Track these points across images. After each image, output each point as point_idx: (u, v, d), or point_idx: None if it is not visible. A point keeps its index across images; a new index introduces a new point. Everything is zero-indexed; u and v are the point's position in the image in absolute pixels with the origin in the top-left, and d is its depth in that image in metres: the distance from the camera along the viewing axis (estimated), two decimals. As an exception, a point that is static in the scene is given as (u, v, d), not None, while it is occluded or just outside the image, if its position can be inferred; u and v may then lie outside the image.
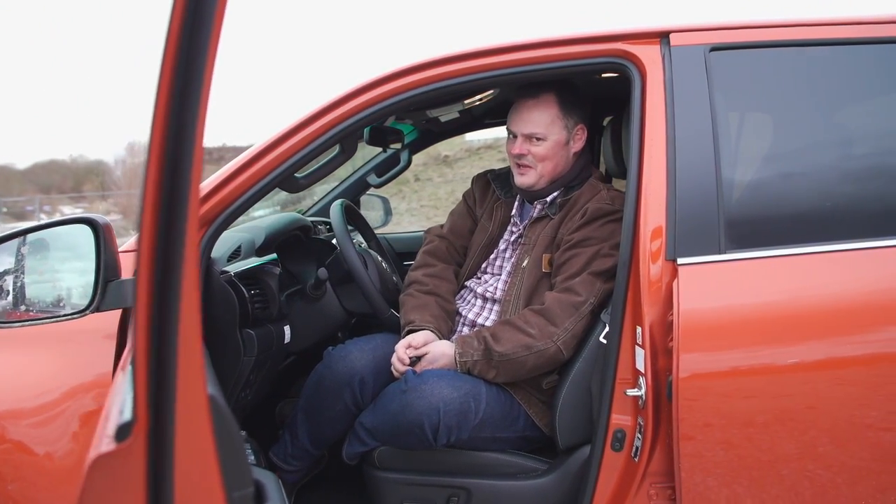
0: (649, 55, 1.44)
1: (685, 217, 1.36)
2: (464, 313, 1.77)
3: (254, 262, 1.87)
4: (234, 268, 1.76)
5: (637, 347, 1.37)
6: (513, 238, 1.78)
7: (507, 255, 1.78)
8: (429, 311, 1.71)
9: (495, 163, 12.25)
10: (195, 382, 0.57)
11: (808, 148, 1.48)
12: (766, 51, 1.44)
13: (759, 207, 1.44)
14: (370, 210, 2.89)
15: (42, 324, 1.39)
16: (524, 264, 1.70)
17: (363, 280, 1.85)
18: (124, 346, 1.36)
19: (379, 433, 1.60)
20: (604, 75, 1.76)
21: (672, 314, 1.30)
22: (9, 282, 1.41)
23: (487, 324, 1.71)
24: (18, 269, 1.41)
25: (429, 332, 1.65)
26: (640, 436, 1.35)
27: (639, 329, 1.36)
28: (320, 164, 1.80)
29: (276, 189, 1.54)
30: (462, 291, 1.84)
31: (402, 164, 2.55)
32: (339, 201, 2.05)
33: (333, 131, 1.45)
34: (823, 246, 1.35)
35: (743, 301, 1.35)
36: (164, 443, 0.55)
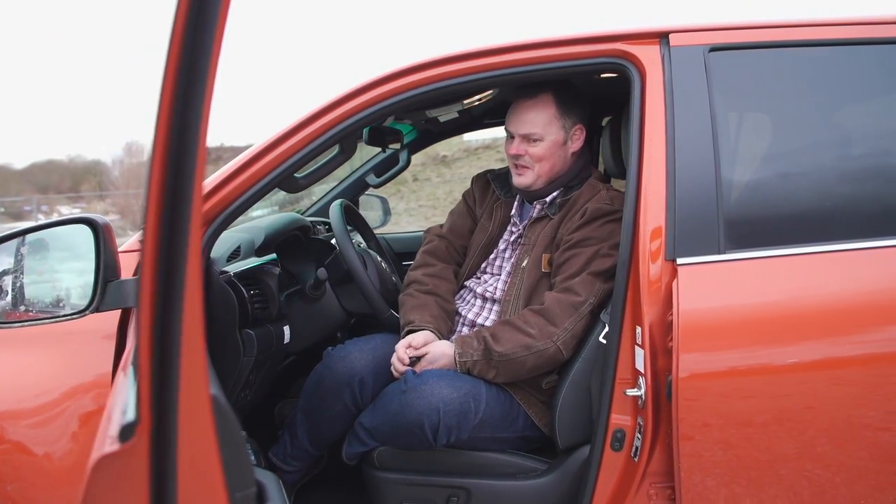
0: (649, 55, 1.44)
1: (685, 217, 1.36)
2: (463, 313, 1.77)
3: (253, 262, 1.87)
4: (234, 268, 1.75)
5: (636, 347, 1.37)
6: (512, 238, 1.78)
7: (507, 255, 1.78)
8: (428, 311, 1.71)
9: (493, 163, 12.25)
10: (198, 382, 0.57)
11: (807, 148, 1.49)
12: (766, 51, 1.45)
13: (758, 207, 1.44)
14: (369, 210, 2.90)
15: (41, 324, 1.39)
16: (524, 264, 1.70)
17: (362, 280, 1.85)
18: (124, 347, 1.36)
19: (378, 433, 1.60)
20: (603, 75, 1.76)
21: (671, 314, 1.30)
22: (8, 282, 1.41)
23: (487, 324, 1.71)
24: (18, 270, 1.41)
25: (428, 332, 1.65)
26: (639, 436, 1.36)
27: (638, 329, 1.36)
28: (320, 164, 1.80)
29: (276, 189, 1.54)
30: (462, 291, 1.84)
31: (400, 164, 2.55)
32: (338, 201, 2.05)
33: (333, 131, 1.45)
34: (823, 246, 1.35)
35: (742, 301, 1.35)
36: (167, 443, 0.55)
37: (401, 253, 2.72)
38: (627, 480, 1.39)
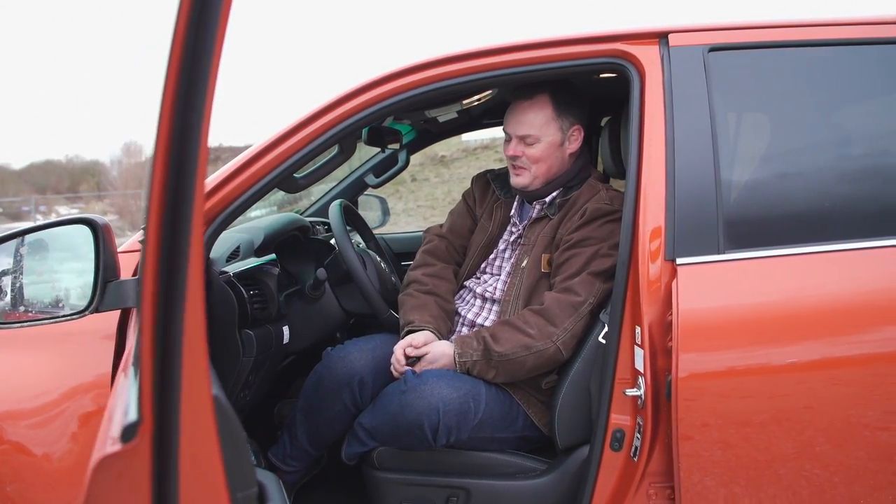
0: (648, 55, 1.44)
1: (684, 217, 1.36)
2: (463, 313, 1.77)
3: (252, 262, 1.87)
4: (233, 268, 1.75)
5: (636, 347, 1.37)
6: (512, 238, 1.79)
7: (507, 255, 1.78)
8: (428, 312, 1.71)
9: (492, 163, 12.26)
10: (200, 383, 0.57)
11: (806, 148, 1.49)
12: (765, 51, 1.45)
13: (757, 208, 1.44)
14: (368, 210, 2.89)
15: (41, 324, 1.39)
16: (523, 264, 1.70)
17: (362, 280, 1.85)
18: (123, 347, 1.36)
19: (378, 433, 1.60)
20: (602, 75, 1.76)
21: (671, 314, 1.30)
22: (7, 283, 1.41)
23: (487, 324, 1.71)
24: (17, 270, 1.41)
25: (428, 332, 1.65)
26: (639, 436, 1.36)
27: (638, 329, 1.36)
28: (319, 164, 1.80)
29: (275, 189, 1.54)
30: (461, 291, 1.84)
31: (399, 164, 2.55)
32: (337, 201, 2.05)
33: (333, 131, 1.45)
34: (822, 246, 1.35)
35: (742, 301, 1.35)
36: (169, 443, 0.55)
37: (400, 253, 2.72)
38: (627, 480, 1.39)
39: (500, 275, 1.76)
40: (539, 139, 1.70)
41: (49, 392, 1.38)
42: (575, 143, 1.75)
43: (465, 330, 1.75)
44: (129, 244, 1.52)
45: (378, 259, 2.05)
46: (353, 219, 2.22)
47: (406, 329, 1.69)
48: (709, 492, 1.32)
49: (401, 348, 1.63)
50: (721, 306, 1.35)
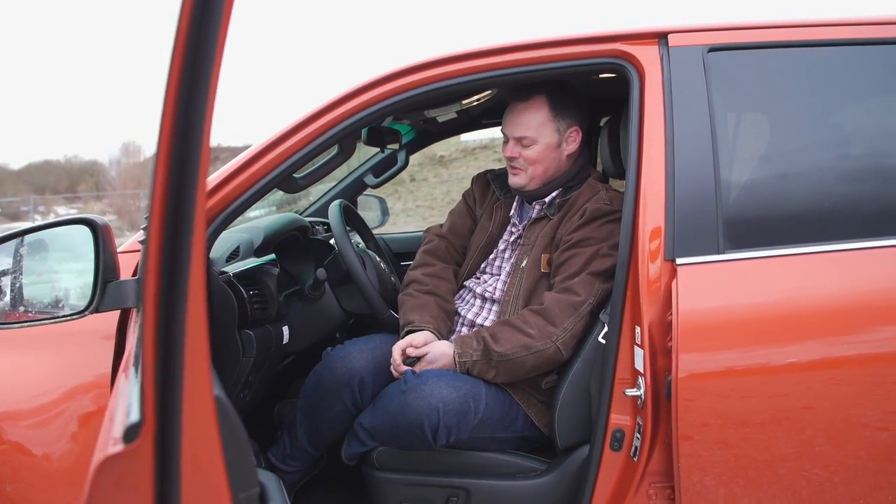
0: (648, 56, 1.44)
1: (684, 217, 1.36)
2: (463, 313, 1.77)
3: (252, 262, 1.86)
4: (233, 268, 1.75)
5: (636, 347, 1.37)
6: (512, 238, 1.79)
7: (507, 255, 1.78)
8: (428, 312, 1.71)
9: (491, 163, 12.26)
10: (202, 383, 0.57)
11: (805, 148, 1.49)
12: (764, 51, 1.45)
13: (757, 208, 1.44)
14: (367, 210, 2.89)
15: (41, 325, 1.39)
16: (523, 264, 1.70)
17: (362, 280, 1.85)
18: (123, 347, 1.36)
19: (378, 433, 1.60)
20: (601, 76, 1.77)
21: (671, 314, 1.30)
22: (7, 283, 1.41)
23: (486, 324, 1.71)
24: (17, 270, 1.41)
25: (428, 332, 1.65)
26: (638, 435, 1.36)
27: (637, 329, 1.36)
28: (319, 164, 1.80)
29: (274, 189, 1.54)
30: (461, 291, 1.84)
31: (399, 164, 2.55)
32: (337, 202, 2.05)
33: (333, 131, 1.45)
34: (821, 246, 1.36)
35: (741, 301, 1.35)
36: (171, 444, 0.55)
37: (399, 253, 2.72)
38: (627, 480, 1.39)
39: (499, 275, 1.76)
40: (536, 141, 1.71)
41: (49, 392, 1.38)
42: (573, 144, 1.75)
43: (464, 330, 1.75)
44: (128, 244, 1.52)
45: (378, 259, 2.05)
46: (352, 219, 2.22)
47: (406, 329, 1.69)
48: (708, 492, 1.32)
49: (399, 348, 1.63)
50: (721, 306, 1.36)
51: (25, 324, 1.40)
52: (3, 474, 1.35)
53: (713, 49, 1.43)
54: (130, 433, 0.56)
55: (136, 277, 1.36)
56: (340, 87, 1.46)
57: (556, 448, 1.60)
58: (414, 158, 2.77)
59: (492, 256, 1.81)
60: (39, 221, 1.57)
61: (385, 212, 2.99)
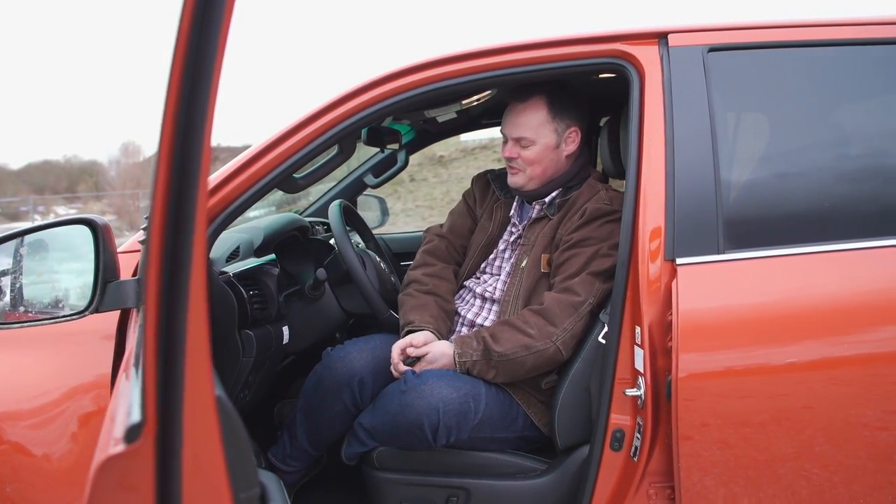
0: (647, 56, 1.44)
1: (684, 217, 1.36)
2: (462, 313, 1.77)
3: (252, 262, 1.87)
4: (233, 268, 1.75)
5: (636, 347, 1.37)
6: (512, 238, 1.79)
7: (507, 255, 1.78)
8: (428, 312, 1.71)
9: (490, 163, 12.26)
10: (203, 383, 0.57)
11: (805, 148, 1.49)
12: (764, 51, 1.45)
13: (757, 208, 1.44)
14: (366, 210, 2.89)
15: (41, 325, 1.39)
16: (523, 264, 1.70)
17: (362, 281, 1.85)
18: (123, 347, 1.36)
19: (378, 433, 1.60)
20: (601, 76, 1.77)
21: (671, 314, 1.31)
22: (7, 283, 1.41)
23: (486, 324, 1.71)
24: (17, 271, 1.41)
25: (428, 332, 1.65)
26: (639, 435, 1.36)
27: (637, 329, 1.36)
28: (319, 164, 1.80)
29: (274, 189, 1.54)
30: (461, 291, 1.84)
31: (399, 164, 2.55)
32: (337, 202, 2.05)
33: (333, 131, 1.45)
34: (821, 246, 1.36)
35: (741, 301, 1.35)
36: (173, 444, 0.55)
37: (399, 253, 2.72)
38: (627, 480, 1.39)
39: (499, 275, 1.76)
40: (534, 142, 1.71)
41: (49, 392, 1.38)
42: (572, 144, 1.74)
43: (464, 330, 1.75)
44: (128, 244, 1.52)
45: (378, 259, 2.05)
46: (352, 219, 2.22)
47: (406, 329, 1.69)
48: (708, 491, 1.32)
49: (398, 348, 1.63)
50: (721, 306, 1.36)
51: (25, 324, 1.40)
52: (3, 474, 1.35)
53: (713, 49, 1.43)
54: (132, 433, 0.56)
55: (136, 277, 1.36)
56: (340, 87, 1.46)
57: (556, 448, 1.60)
58: (413, 158, 2.77)
59: (492, 256, 1.81)
60: (39, 221, 1.57)
61: (385, 212, 2.99)
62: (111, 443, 0.60)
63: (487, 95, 2.08)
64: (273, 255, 2.00)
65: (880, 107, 1.51)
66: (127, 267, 1.42)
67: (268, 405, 2.06)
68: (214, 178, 1.42)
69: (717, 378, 1.31)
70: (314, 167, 1.79)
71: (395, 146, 2.46)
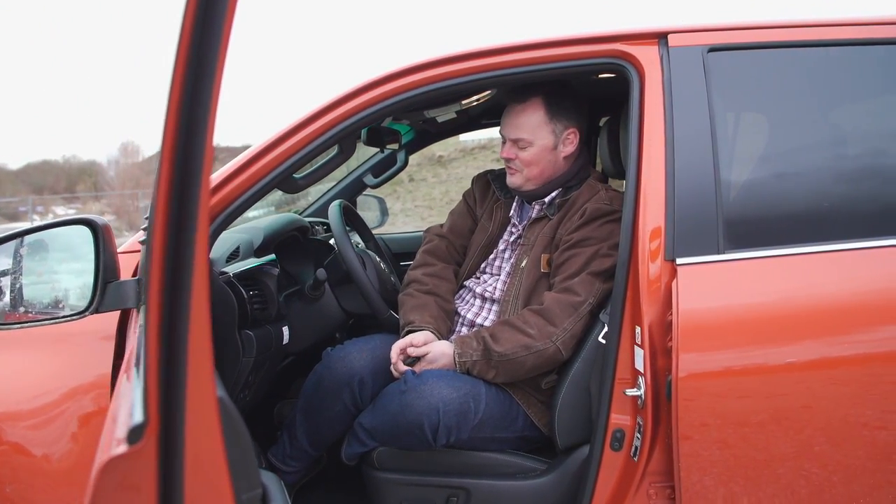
0: (647, 56, 1.45)
1: (684, 217, 1.36)
2: (462, 313, 1.77)
3: (252, 262, 1.87)
4: (233, 268, 1.75)
5: (636, 347, 1.37)
6: (512, 238, 1.79)
7: (507, 255, 1.78)
8: (428, 312, 1.71)
9: (489, 163, 12.27)
10: (205, 384, 0.57)
11: (805, 148, 1.49)
12: (764, 52, 1.45)
13: (757, 208, 1.44)
14: (366, 210, 2.89)
15: (41, 325, 1.39)
16: (523, 264, 1.70)
17: (362, 281, 1.85)
18: (123, 348, 1.36)
19: (378, 434, 1.60)
20: (600, 76, 1.77)
21: (671, 314, 1.31)
22: (7, 283, 1.41)
23: (486, 324, 1.71)
24: (17, 271, 1.41)
25: (428, 332, 1.65)
26: (639, 435, 1.36)
27: (638, 329, 1.36)
28: (319, 164, 1.80)
29: (273, 189, 1.54)
30: (461, 291, 1.84)
31: (398, 164, 2.55)
32: (337, 202, 2.05)
33: (333, 131, 1.45)
34: (821, 246, 1.36)
35: (741, 301, 1.36)
36: (175, 445, 0.55)
37: (398, 253, 2.72)
38: (627, 480, 1.39)
39: (499, 275, 1.77)
40: (531, 143, 1.71)
41: (49, 393, 1.38)
42: (570, 146, 1.74)
43: (464, 330, 1.75)
44: (128, 244, 1.52)
45: (377, 259, 2.05)
46: (352, 219, 2.22)
47: (406, 329, 1.69)
48: (708, 491, 1.32)
49: (398, 347, 1.63)
50: (721, 306, 1.36)
51: (25, 324, 1.40)
52: (3, 475, 1.35)
53: (713, 49, 1.43)
54: (134, 434, 0.56)
55: (137, 278, 1.36)
56: (340, 87, 1.46)
57: (556, 448, 1.60)
58: (412, 158, 2.77)
59: (492, 256, 1.81)
60: (38, 222, 1.57)
61: (384, 212, 2.99)
62: (113, 444, 0.60)
63: (487, 95, 2.08)
64: (273, 256, 2.00)
65: (880, 107, 1.51)
66: (127, 267, 1.42)
67: (268, 405, 2.06)
68: (214, 178, 1.42)
69: (717, 378, 1.31)
70: (314, 167, 1.79)
71: (395, 146, 2.46)
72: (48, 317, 1.39)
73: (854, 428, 1.31)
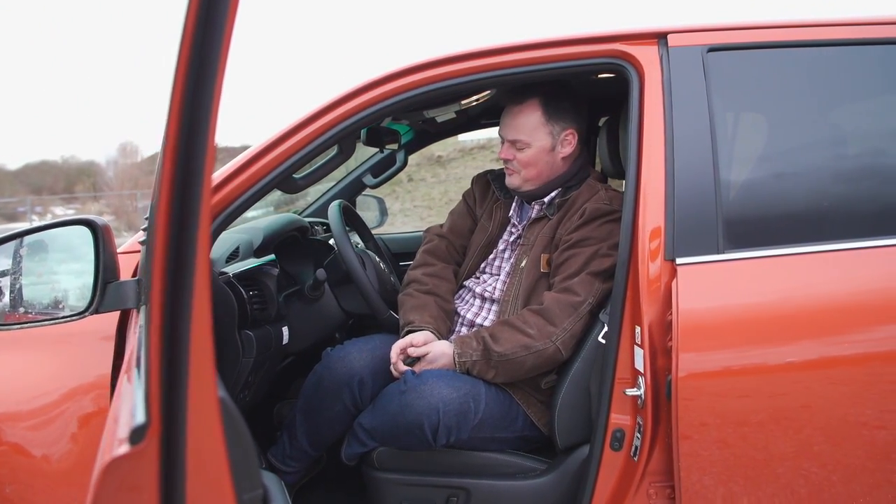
0: (647, 56, 1.45)
1: (683, 217, 1.36)
2: (462, 313, 1.77)
3: (252, 263, 1.87)
4: (233, 269, 1.75)
5: (636, 347, 1.37)
6: (511, 238, 1.79)
7: (506, 255, 1.78)
8: (428, 312, 1.71)
9: (488, 163, 12.27)
10: (207, 384, 0.57)
11: (805, 148, 1.49)
12: (764, 51, 1.45)
13: (756, 207, 1.45)
14: (365, 210, 2.89)
15: (40, 326, 1.39)
16: (522, 264, 1.70)
17: (362, 281, 1.85)
18: (123, 348, 1.36)
19: (378, 434, 1.60)
20: (600, 76, 1.77)
21: (671, 314, 1.31)
22: (7, 284, 1.40)
23: (486, 324, 1.71)
24: (16, 271, 1.41)
25: (428, 332, 1.66)
26: (639, 435, 1.36)
27: (637, 329, 1.36)
28: (318, 164, 1.80)
29: (273, 189, 1.54)
30: (461, 291, 1.84)
31: (398, 164, 2.55)
32: (337, 202, 2.05)
33: (333, 132, 1.45)
34: (821, 246, 1.36)
35: (741, 301, 1.36)
36: (176, 445, 0.55)
37: (398, 253, 2.72)
38: (627, 480, 1.39)
39: (499, 275, 1.77)
40: (529, 144, 1.71)
41: (49, 393, 1.38)
42: (568, 147, 1.74)
43: (464, 330, 1.75)
44: (128, 245, 1.52)
45: (377, 259, 2.05)
46: (352, 219, 2.22)
47: (406, 329, 1.69)
48: (708, 491, 1.32)
49: (398, 347, 1.63)
50: (721, 306, 1.36)
51: (25, 325, 1.40)
52: (3, 476, 1.35)
53: (713, 49, 1.43)
54: (136, 435, 0.56)
55: (136, 278, 1.36)
56: (340, 87, 1.46)
57: (556, 448, 1.60)
58: (412, 158, 2.77)
59: (491, 256, 1.81)
60: (37, 222, 1.57)
61: (384, 212, 2.99)
62: (115, 444, 0.60)
63: (486, 96, 2.08)
64: (273, 256, 2.00)
65: (879, 107, 1.51)
66: (127, 267, 1.42)
67: (267, 405, 2.06)
68: (214, 178, 1.42)
69: (717, 377, 1.31)
70: (314, 167, 1.79)
71: (394, 146, 2.46)
72: (48, 317, 1.39)
73: (853, 427, 1.31)
